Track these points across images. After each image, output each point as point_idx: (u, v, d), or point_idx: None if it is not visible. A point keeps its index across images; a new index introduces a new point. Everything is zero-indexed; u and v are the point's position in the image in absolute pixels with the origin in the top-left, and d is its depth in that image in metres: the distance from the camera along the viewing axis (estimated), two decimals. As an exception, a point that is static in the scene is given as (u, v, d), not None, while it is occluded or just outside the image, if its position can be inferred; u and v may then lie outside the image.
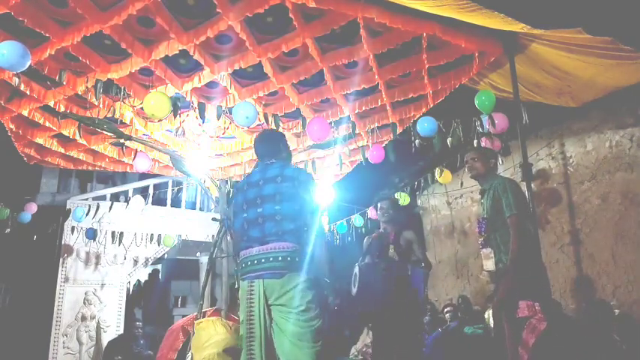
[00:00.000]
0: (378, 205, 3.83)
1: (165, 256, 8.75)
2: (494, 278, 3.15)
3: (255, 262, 2.42)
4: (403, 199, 6.44)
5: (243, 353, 2.43)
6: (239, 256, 2.55)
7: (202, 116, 4.25)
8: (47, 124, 4.88)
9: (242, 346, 2.46)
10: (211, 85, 4.50)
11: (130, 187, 8.11)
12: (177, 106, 3.84)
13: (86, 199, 7.75)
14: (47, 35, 3.53)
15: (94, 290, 7.49)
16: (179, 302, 9.54)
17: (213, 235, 6.72)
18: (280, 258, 2.36)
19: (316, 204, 2.54)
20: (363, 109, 4.84)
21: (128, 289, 8.39)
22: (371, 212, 6.99)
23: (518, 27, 3.39)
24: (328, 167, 6.46)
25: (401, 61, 4.18)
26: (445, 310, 6.01)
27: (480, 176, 3.21)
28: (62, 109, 4.63)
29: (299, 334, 2.29)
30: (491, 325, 4.88)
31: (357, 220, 7.51)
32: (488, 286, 6.17)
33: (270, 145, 2.74)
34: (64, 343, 7.04)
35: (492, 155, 3.30)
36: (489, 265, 3.00)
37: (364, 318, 3.94)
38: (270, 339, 2.37)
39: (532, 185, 4.09)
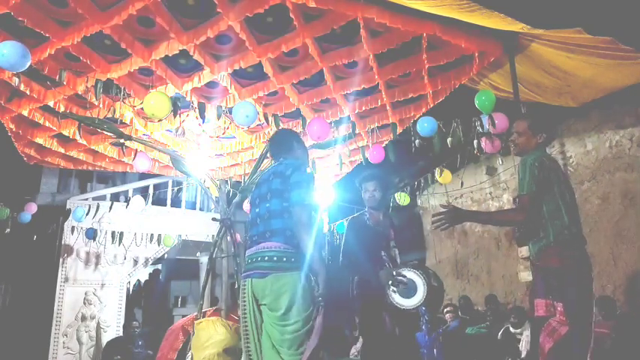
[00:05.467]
0: (363, 186, 3.36)
1: (165, 256, 8.76)
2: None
3: (250, 261, 2.42)
4: (403, 199, 6.44)
5: (243, 351, 2.44)
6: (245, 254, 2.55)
7: (202, 116, 4.24)
8: (47, 124, 4.87)
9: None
10: (211, 85, 4.50)
11: (130, 187, 8.13)
12: (177, 106, 3.83)
13: (86, 199, 7.75)
14: (47, 35, 3.53)
15: (94, 290, 7.49)
16: (179, 302, 9.54)
17: (213, 235, 6.71)
18: (267, 258, 2.32)
19: (308, 200, 2.35)
20: (363, 109, 4.83)
21: (128, 289, 8.40)
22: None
23: (518, 27, 3.39)
24: (328, 167, 6.45)
25: (401, 61, 4.18)
26: (445, 310, 6.00)
27: (521, 154, 2.56)
28: (62, 109, 4.62)
29: (279, 341, 2.24)
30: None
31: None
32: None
33: (279, 144, 2.68)
34: (64, 343, 7.05)
35: (541, 128, 2.54)
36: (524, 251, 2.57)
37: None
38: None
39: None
